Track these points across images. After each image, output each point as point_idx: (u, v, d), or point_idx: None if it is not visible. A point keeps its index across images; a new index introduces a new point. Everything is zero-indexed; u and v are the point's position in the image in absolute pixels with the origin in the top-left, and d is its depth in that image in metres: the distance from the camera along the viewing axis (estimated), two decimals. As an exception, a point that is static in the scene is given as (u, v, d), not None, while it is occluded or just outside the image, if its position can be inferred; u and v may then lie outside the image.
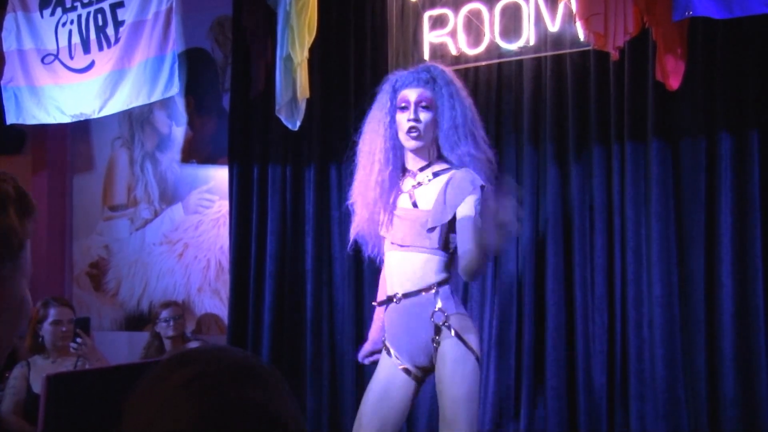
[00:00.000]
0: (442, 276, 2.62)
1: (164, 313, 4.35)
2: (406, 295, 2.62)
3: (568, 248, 3.85)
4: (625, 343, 3.67)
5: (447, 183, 2.59)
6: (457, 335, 2.56)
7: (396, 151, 2.69)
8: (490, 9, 3.89)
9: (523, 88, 4.01)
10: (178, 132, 5.30)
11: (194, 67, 5.13)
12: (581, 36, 3.55)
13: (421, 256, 2.60)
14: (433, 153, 2.67)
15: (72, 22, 4.51)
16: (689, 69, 3.32)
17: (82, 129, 5.49)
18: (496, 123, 4.10)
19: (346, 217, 4.38)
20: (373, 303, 2.84)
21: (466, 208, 2.54)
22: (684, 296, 3.59)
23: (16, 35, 4.61)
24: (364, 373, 4.27)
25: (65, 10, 4.53)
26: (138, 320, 5.35)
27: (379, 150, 2.69)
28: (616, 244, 3.73)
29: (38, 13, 4.59)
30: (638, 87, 3.68)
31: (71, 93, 4.50)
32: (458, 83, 2.68)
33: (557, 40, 3.76)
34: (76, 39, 4.49)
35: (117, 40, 4.37)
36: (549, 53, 3.84)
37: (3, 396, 3.68)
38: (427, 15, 4.04)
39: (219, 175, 5.01)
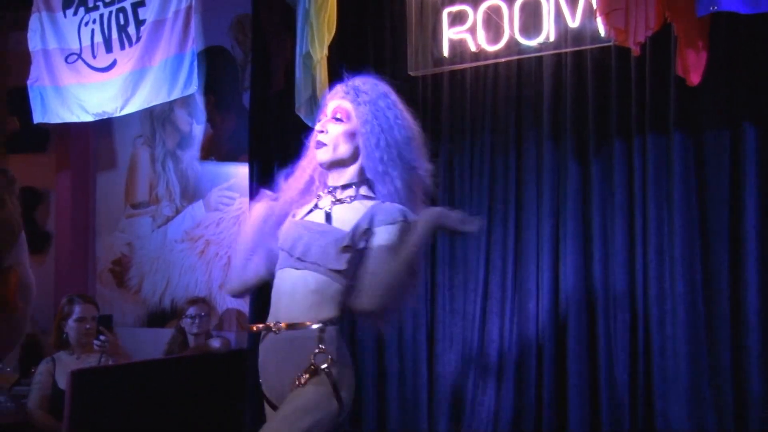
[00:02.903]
0: (334, 312, 2.20)
1: (191, 310, 4.38)
2: (289, 326, 2.20)
3: (588, 245, 3.83)
4: (648, 340, 3.64)
5: (371, 208, 2.24)
6: (330, 383, 2.13)
7: (312, 166, 2.44)
8: (510, 5, 3.87)
9: (543, 84, 4.00)
10: (199, 130, 5.34)
11: (214, 65, 5.16)
12: (602, 32, 3.53)
13: (318, 280, 2.20)
14: (358, 174, 2.32)
15: (94, 21, 4.56)
16: (711, 63, 3.29)
17: (104, 127, 5.55)
18: (516, 120, 4.09)
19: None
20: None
21: (384, 236, 2.18)
22: (708, 293, 3.55)
23: (41, 35, 4.67)
24: (385, 368, 4.29)
25: (88, 10, 4.58)
26: (160, 317, 5.40)
27: (306, 161, 2.46)
28: (637, 241, 3.70)
29: (62, 13, 4.64)
30: (659, 82, 3.65)
31: (94, 92, 4.55)
32: (393, 98, 2.37)
33: (577, 36, 3.74)
34: (98, 38, 4.54)
35: (138, 39, 4.41)
36: (569, 49, 3.82)
37: (29, 391, 3.73)
38: (446, 11, 4.04)
39: (239, 173, 5.04)
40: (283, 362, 2.20)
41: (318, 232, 2.22)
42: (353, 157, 2.31)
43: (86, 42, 4.57)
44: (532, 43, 3.84)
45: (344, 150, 2.30)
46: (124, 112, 4.50)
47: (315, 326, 2.16)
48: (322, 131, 2.32)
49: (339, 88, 2.39)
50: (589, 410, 3.75)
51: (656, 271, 3.62)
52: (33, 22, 4.69)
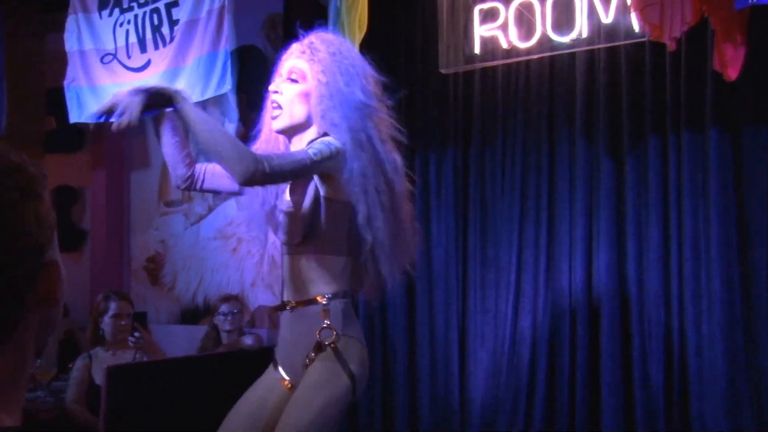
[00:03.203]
0: (333, 287, 2.17)
1: (224, 307, 4.41)
2: (299, 303, 2.22)
3: (622, 243, 3.80)
4: (684, 339, 3.60)
5: None
6: (337, 357, 2.12)
7: (273, 133, 2.30)
8: (542, 1, 3.84)
9: (575, 81, 3.97)
10: (231, 128, 5.37)
11: (246, 64, 5.19)
12: (636, 27, 3.49)
13: (308, 260, 2.18)
14: (316, 135, 2.19)
15: (129, 22, 4.61)
16: (749, 58, 3.23)
17: (138, 126, 5.61)
18: (548, 117, 4.06)
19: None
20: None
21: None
22: (746, 291, 3.50)
23: (77, 36, 4.73)
24: (416, 366, 4.29)
25: (123, 11, 4.64)
26: (193, 314, 5.45)
27: (263, 133, 2.33)
28: (672, 239, 3.66)
29: (97, 14, 4.70)
30: (696, 78, 3.60)
31: (129, 91, 4.60)
32: (346, 51, 2.25)
33: (611, 31, 3.70)
34: (133, 38, 4.59)
35: (172, 39, 4.45)
36: (602, 45, 3.78)
37: (67, 386, 3.79)
38: (477, 8, 4.02)
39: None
40: (295, 340, 2.22)
41: (291, 217, 2.19)
42: (309, 120, 2.21)
43: (121, 42, 4.63)
44: (565, 39, 3.81)
45: (299, 112, 2.19)
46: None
47: (318, 303, 2.17)
48: (276, 92, 2.20)
49: (294, 47, 2.26)
50: (623, 410, 3.72)
51: (692, 269, 3.58)
52: (69, 24, 4.76)
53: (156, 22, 4.54)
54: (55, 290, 0.84)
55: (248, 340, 4.22)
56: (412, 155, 4.41)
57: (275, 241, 5.09)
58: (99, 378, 3.59)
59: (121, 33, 4.64)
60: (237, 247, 5.25)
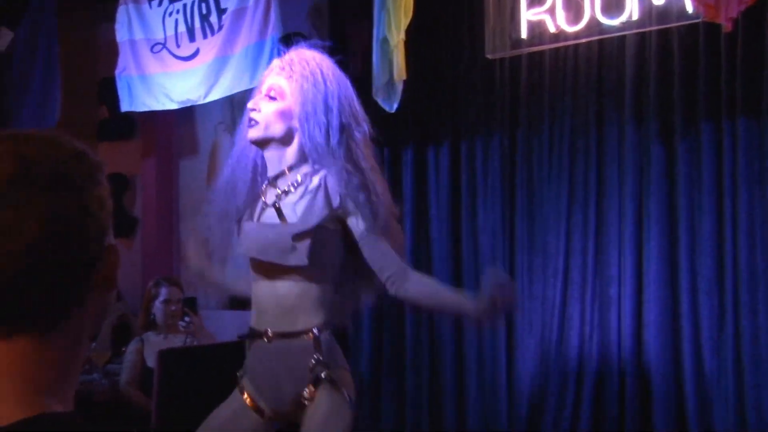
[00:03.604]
0: (321, 317, 2.06)
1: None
2: (278, 335, 2.08)
3: (674, 229, 3.73)
4: (739, 328, 3.52)
5: (321, 184, 2.06)
6: (336, 388, 2.04)
7: (248, 151, 2.20)
8: (592, -17, 3.78)
9: (625, 65, 3.89)
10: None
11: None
12: (689, 8, 3.41)
13: (292, 288, 2.06)
14: (297, 155, 2.12)
15: (178, 11, 4.66)
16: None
17: (187, 115, 5.69)
18: (597, 102, 4.00)
19: (445, 198, 4.39)
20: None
21: (363, 223, 2.04)
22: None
23: (128, 26, 4.81)
24: (463, 355, 4.29)
25: (172, 0, 4.70)
26: (241, 300, 5.51)
27: (237, 150, 2.23)
28: (726, 226, 3.58)
29: (147, 5, 4.77)
30: (753, 60, 3.51)
31: (178, 80, 4.67)
32: (326, 69, 2.15)
33: (663, 13, 3.62)
34: (182, 28, 4.64)
35: (220, 28, 4.49)
36: (654, 28, 3.70)
37: (121, 369, 3.89)
38: (525, -8, 3.97)
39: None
40: (280, 376, 2.09)
41: (269, 230, 2.08)
42: (288, 137, 2.11)
43: (170, 32, 4.69)
44: (615, 22, 3.74)
45: (277, 129, 2.10)
46: (208, 99, 4.60)
47: (307, 335, 2.05)
48: (254, 109, 2.12)
49: (274, 64, 2.20)
50: (674, 400, 3.67)
51: (747, 257, 3.50)
52: (120, 14, 4.84)
53: (204, 11, 4.59)
54: (113, 274, 0.86)
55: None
56: (458, 141, 4.39)
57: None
58: (151, 361, 3.67)
59: (170, 22, 4.71)
60: (284, 233, 5.29)
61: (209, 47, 4.54)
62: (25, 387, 0.80)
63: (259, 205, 2.14)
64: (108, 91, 5.16)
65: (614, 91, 3.95)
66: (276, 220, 2.08)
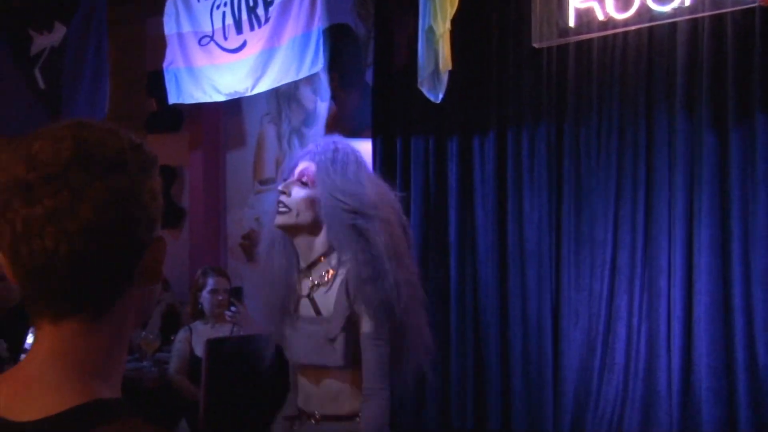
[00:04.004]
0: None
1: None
2: (326, 417, 2.09)
3: (726, 220, 3.64)
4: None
5: (344, 279, 2.04)
6: None
7: (278, 236, 2.16)
8: (641, -31, 3.70)
9: (676, 52, 3.81)
10: (323, 107, 5.43)
11: (338, 42, 5.22)
12: (744, -8, 3.31)
13: (335, 378, 2.07)
14: (325, 245, 2.08)
15: (225, 4, 4.71)
16: None
17: (234, 107, 5.75)
18: (646, 91, 3.93)
19: (490, 189, 4.35)
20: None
21: (368, 325, 1.99)
22: None
23: (176, 19, 4.88)
24: (508, 346, 4.26)
25: (219, -7, 4.75)
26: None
27: (268, 234, 2.20)
28: (783, 216, 3.48)
29: (195, -2, 4.84)
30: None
31: (226, 72, 4.72)
32: (361, 162, 2.13)
33: (716, -2, 3.53)
34: (229, 20, 4.69)
35: (267, 20, 4.53)
36: (707, 13, 3.61)
37: (170, 357, 3.96)
38: (573, -21, 3.90)
39: (362, 149, 5.05)
40: None
41: (306, 334, 2.06)
42: (316, 226, 2.06)
43: (218, 24, 4.74)
44: (666, 8, 3.65)
45: (305, 217, 2.05)
46: (255, 91, 4.64)
47: (354, 420, 2.04)
48: (284, 192, 2.08)
49: (311, 148, 2.17)
50: (725, 393, 3.58)
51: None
52: (168, 7, 4.91)
53: (251, 3, 4.62)
54: (159, 264, 0.87)
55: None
56: (504, 132, 4.35)
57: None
58: (199, 350, 3.73)
59: (217, 15, 4.76)
60: (329, 224, 5.32)
61: (256, 39, 4.57)
62: (74, 374, 0.81)
63: (295, 296, 2.12)
64: (156, 84, 5.24)
65: (665, 80, 3.87)
66: (311, 312, 2.07)
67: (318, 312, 2.06)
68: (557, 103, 4.21)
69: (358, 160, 2.13)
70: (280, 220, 2.07)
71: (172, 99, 4.97)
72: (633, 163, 3.95)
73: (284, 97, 5.60)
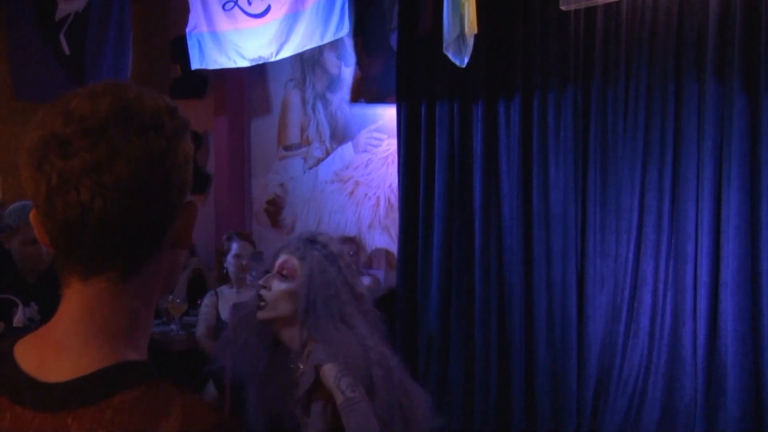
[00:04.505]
0: None
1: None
2: None
3: (756, 185, 3.59)
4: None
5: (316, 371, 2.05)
6: None
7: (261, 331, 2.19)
8: (673, -72, 3.60)
9: (708, 14, 3.73)
10: (347, 72, 5.40)
11: (362, 7, 5.17)
12: (779, -48, 3.22)
13: None
14: (305, 336, 2.10)
15: (249, -32, 4.67)
16: None
17: (258, 73, 5.73)
18: (676, 54, 3.85)
19: (515, 154, 4.32)
20: None
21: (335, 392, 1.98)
22: None
23: (199, -16, 4.85)
24: (532, 312, 4.26)
25: (243, -43, 4.71)
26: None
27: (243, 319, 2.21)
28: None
29: (219, -38, 4.80)
30: None
31: (250, 37, 4.69)
32: (346, 258, 2.17)
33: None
34: (253, -16, 4.66)
35: (291, -16, 4.48)
36: (740, -26, 3.52)
37: (197, 321, 4.01)
38: (602, -61, 3.81)
39: (387, 114, 5.08)
40: None
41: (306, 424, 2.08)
42: (294, 317, 2.08)
43: (242, -12, 4.71)
44: (698, -32, 3.57)
45: (284, 309, 2.08)
46: (280, 56, 4.62)
47: None
48: (264, 287, 2.10)
49: (291, 241, 2.18)
50: (751, 360, 3.56)
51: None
52: (191, -28, 4.88)
53: (275, -33, 4.58)
54: (189, 229, 0.87)
55: (365, 281, 4.31)
56: (529, 96, 4.30)
57: (392, 183, 5.09)
58: (225, 314, 3.77)
59: (242, -21, 4.72)
60: (354, 190, 5.33)
61: (280, 4, 4.54)
62: (101, 335, 0.81)
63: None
64: (180, 49, 5.24)
65: (695, 43, 3.79)
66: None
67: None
68: (584, 67, 4.15)
69: (347, 259, 2.15)
70: (261, 314, 2.10)
71: (195, 64, 4.97)
72: (661, 127, 3.89)
73: (308, 62, 5.57)
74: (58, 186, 0.77)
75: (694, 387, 3.75)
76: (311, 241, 2.14)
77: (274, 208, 5.89)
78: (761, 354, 3.55)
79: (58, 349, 0.81)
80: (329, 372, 1.96)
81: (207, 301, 4.02)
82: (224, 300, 3.94)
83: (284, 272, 2.11)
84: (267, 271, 2.15)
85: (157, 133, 0.81)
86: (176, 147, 0.83)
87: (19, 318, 3.04)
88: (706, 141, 3.73)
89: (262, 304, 2.09)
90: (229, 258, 4.07)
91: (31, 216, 0.83)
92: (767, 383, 3.53)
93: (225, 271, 4.09)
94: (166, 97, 0.86)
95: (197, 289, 4.64)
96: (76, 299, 0.82)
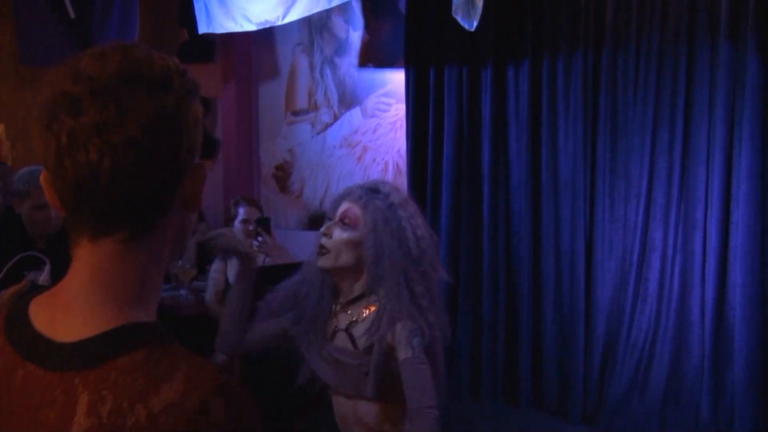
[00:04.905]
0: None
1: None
2: None
3: (767, 149, 3.55)
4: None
5: (385, 322, 2.03)
6: None
7: (321, 277, 2.16)
8: None
9: (722, -24, 3.66)
10: (356, 36, 5.35)
11: (370, -30, 5.11)
12: None
13: (371, 409, 2.08)
14: (366, 286, 2.10)
15: (256, -69, 4.61)
16: None
17: (265, 37, 5.69)
18: (688, 17, 3.80)
19: (524, 119, 4.29)
20: None
21: (408, 352, 1.95)
22: None
23: (206, -54, 4.79)
24: (541, 277, 4.27)
25: None
26: (320, 220, 5.60)
27: (307, 269, 2.19)
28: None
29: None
30: None
31: (256, 1, 4.65)
32: (410, 208, 2.10)
33: None
34: (259, -54, 4.60)
35: (297, -54, 4.42)
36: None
37: (206, 286, 4.04)
38: None
39: (396, 79, 5.04)
40: None
41: (342, 365, 2.08)
42: (358, 268, 2.08)
43: (248, -49, 4.65)
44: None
45: (347, 259, 2.07)
46: (287, 20, 4.58)
47: None
48: (326, 234, 2.08)
49: (354, 189, 2.15)
50: (759, 323, 3.57)
51: None
52: (198, -66, 4.82)
53: (281, -72, 4.51)
54: (199, 192, 0.87)
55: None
56: (539, 60, 4.26)
57: (400, 148, 5.06)
58: (233, 279, 3.79)
59: (248, -58, 4.66)
60: (362, 155, 5.32)
61: (286, -34, 4.48)
62: (111, 296, 0.82)
63: (332, 326, 2.12)
64: (188, 13, 5.19)
65: (708, 5, 3.73)
66: (348, 344, 2.08)
67: (355, 346, 2.07)
68: (595, 31, 4.10)
69: (411, 209, 2.11)
70: (320, 262, 2.08)
71: (202, 28, 4.93)
72: (671, 92, 3.85)
73: (316, 26, 5.52)
74: (68, 145, 0.77)
75: (701, 351, 3.76)
76: (374, 190, 2.11)
77: (282, 174, 5.89)
78: (769, 319, 3.55)
79: (68, 310, 0.82)
80: (404, 327, 1.95)
81: (216, 266, 4.04)
82: (232, 265, 3.95)
83: (346, 221, 2.09)
84: (329, 219, 2.13)
85: (166, 93, 0.81)
86: (186, 108, 0.83)
87: (45, 277, 3.06)
88: (717, 106, 3.69)
89: (324, 251, 2.08)
90: (236, 223, 4.08)
91: (42, 177, 0.83)
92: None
93: (233, 236, 4.10)
94: (175, 59, 0.86)
95: (207, 254, 4.65)
96: (85, 260, 0.83)
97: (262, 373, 3.50)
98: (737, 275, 3.60)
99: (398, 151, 5.09)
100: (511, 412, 4.29)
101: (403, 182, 4.92)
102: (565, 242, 4.17)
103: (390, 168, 5.16)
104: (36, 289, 3.19)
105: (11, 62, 5.46)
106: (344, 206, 2.11)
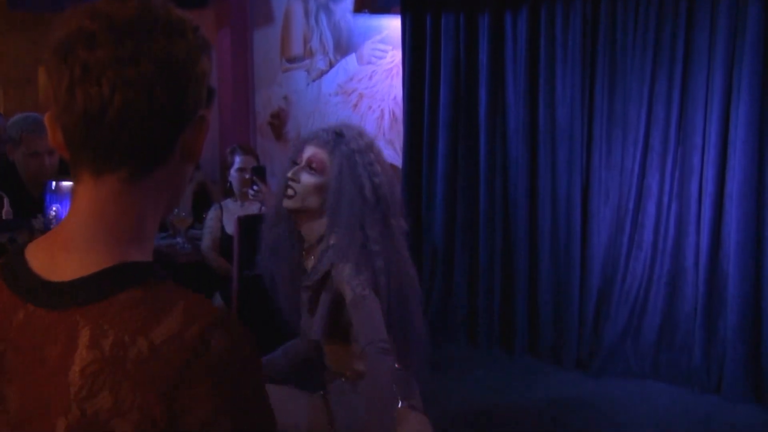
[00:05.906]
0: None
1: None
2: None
3: (766, 99, 3.53)
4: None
5: (332, 273, 2.06)
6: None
7: (283, 216, 2.22)
8: None
9: None
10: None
11: None
12: None
13: (327, 351, 2.18)
14: (325, 228, 2.12)
15: None
16: None
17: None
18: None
19: (522, 66, 4.24)
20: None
21: (345, 289, 1.99)
22: None
23: None
24: (537, 223, 4.28)
25: None
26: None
27: (272, 214, 2.25)
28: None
29: None
30: None
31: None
32: (371, 155, 2.12)
33: None
34: None
35: None
36: None
37: (202, 234, 4.05)
38: None
39: (392, 25, 4.97)
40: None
41: (312, 323, 2.13)
42: (322, 210, 2.12)
43: None
44: None
45: (311, 202, 2.12)
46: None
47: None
48: (293, 179, 2.12)
49: (319, 133, 2.16)
50: (752, 269, 3.59)
51: None
52: None
53: None
54: (200, 143, 0.89)
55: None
56: (537, 6, 4.19)
57: (396, 96, 5.02)
58: (229, 227, 3.80)
59: None
60: (358, 102, 5.28)
61: None
62: (108, 235, 0.85)
63: (302, 270, 2.18)
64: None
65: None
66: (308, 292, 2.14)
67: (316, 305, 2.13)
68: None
69: (372, 155, 2.12)
70: (287, 203, 2.13)
71: (196, -27, 4.84)
72: (671, 37, 3.80)
73: (311, -29, 5.43)
74: (81, 77, 0.79)
75: (695, 296, 3.80)
76: (339, 134, 2.13)
77: (278, 122, 5.85)
78: (762, 265, 3.57)
79: (67, 248, 0.85)
80: (342, 269, 2.00)
81: (212, 214, 4.04)
82: (229, 213, 3.95)
83: (313, 165, 2.13)
84: (295, 162, 2.17)
85: (181, 40, 0.83)
86: (197, 59, 0.85)
87: (7, 210, 3.09)
88: (717, 51, 3.65)
89: (291, 193, 2.12)
90: (232, 172, 4.07)
91: (46, 118, 0.85)
92: (767, 293, 3.57)
93: (229, 184, 4.10)
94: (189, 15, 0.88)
95: (202, 202, 4.66)
96: (86, 197, 0.85)
97: (258, 317, 3.53)
98: (732, 221, 3.62)
99: (394, 98, 5.04)
100: (506, 358, 4.35)
101: (399, 130, 4.90)
102: (561, 189, 4.17)
103: (386, 116, 5.13)
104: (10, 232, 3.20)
105: (0, 9, 5.37)
106: (311, 150, 2.14)
